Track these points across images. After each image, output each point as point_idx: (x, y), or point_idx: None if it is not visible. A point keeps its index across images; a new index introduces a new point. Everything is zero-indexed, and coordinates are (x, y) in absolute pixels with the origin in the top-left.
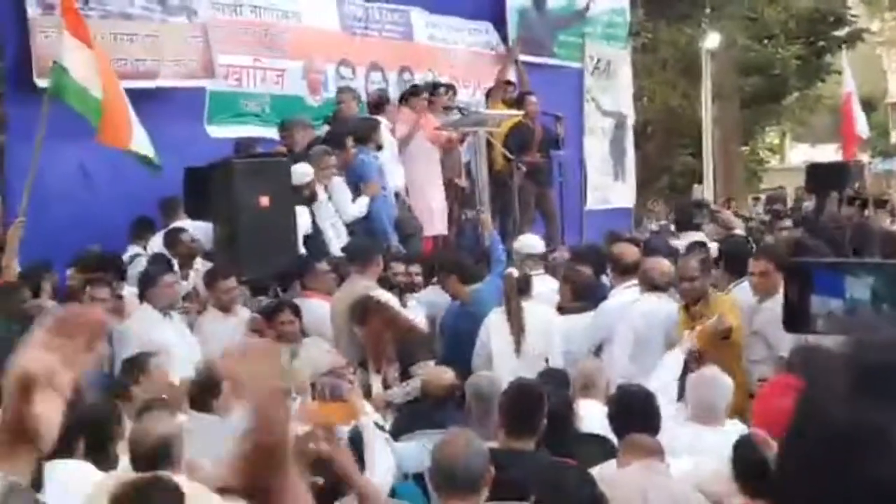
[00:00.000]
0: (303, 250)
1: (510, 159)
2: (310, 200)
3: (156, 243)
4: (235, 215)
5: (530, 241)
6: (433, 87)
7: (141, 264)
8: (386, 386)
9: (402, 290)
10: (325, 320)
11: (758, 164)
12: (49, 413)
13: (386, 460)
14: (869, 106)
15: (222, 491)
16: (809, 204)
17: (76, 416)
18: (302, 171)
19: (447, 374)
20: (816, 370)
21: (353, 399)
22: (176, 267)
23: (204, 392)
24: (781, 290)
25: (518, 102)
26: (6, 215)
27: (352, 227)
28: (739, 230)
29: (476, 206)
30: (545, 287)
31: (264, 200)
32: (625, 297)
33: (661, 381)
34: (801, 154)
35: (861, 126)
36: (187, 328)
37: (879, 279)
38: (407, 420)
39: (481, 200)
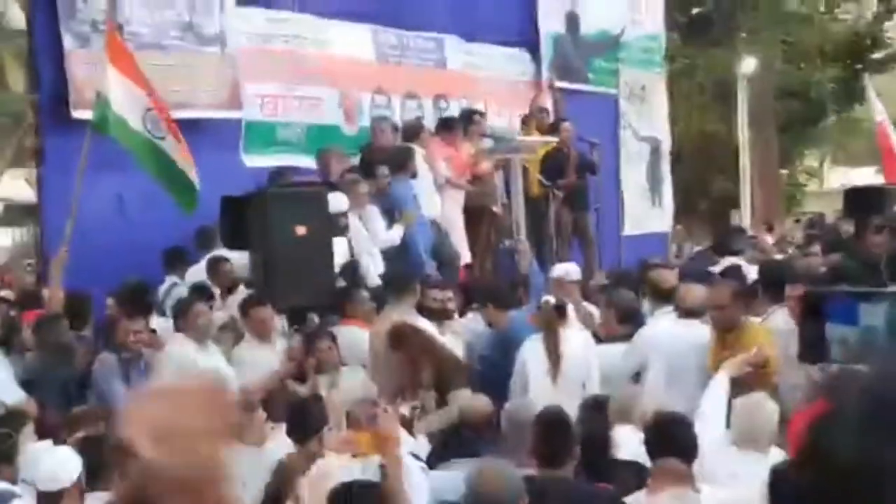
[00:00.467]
0: (341, 280)
1: (546, 186)
2: (346, 229)
3: (195, 273)
4: (271, 244)
5: (567, 268)
6: (469, 115)
7: (179, 294)
8: (423, 413)
9: (439, 316)
10: (362, 348)
11: (796, 188)
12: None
13: (422, 490)
14: None
15: None
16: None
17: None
18: (338, 201)
19: (484, 402)
20: (831, 401)
21: (389, 428)
22: (218, 296)
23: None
24: None
25: (553, 129)
26: (44, 245)
27: (388, 256)
28: (777, 255)
29: (512, 232)
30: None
31: (301, 229)
32: (661, 324)
33: (712, 405)
34: (841, 177)
35: None
36: (223, 358)
37: (894, 306)
38: (443, 449)
39: (517, 227)
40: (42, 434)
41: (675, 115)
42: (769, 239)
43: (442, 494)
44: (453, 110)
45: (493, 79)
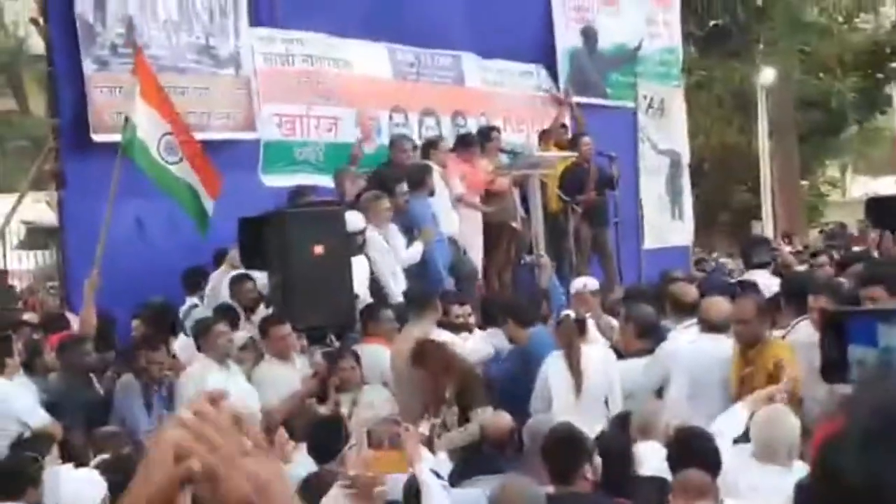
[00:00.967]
0: (370, 298)
1: (565, 201)
2: (362, 248)
3: (211, 293)
4: (290, 264)
5: (585, 280)
6: (487, 132)
7: (199, 315)
8: (445, 430)
9: (460, 331)
10: (384, 365)
11: (818, 198)
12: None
13: None
14: None
15: None
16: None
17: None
18: (354, 220)
19: (505, 419)
20: (842, 419)
21: (411, 446)
22: (242, 315)
23: None
24: None
25: (572, 144)
26: (66, 268)
27: (408, 273)
28: (798, 267)
29: (531, 248)
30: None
31: (319, 249)
32: (684, 338)
33: (727, 427)
34: (863, 186)
35: None
36: (244, 378)
37: None
38: (466, 466)
39: (537, 243)
40: (66, 456)
41: (694, 128)
42: (787, 249)
43: None
44: (471, 127)
45: (510, 95)
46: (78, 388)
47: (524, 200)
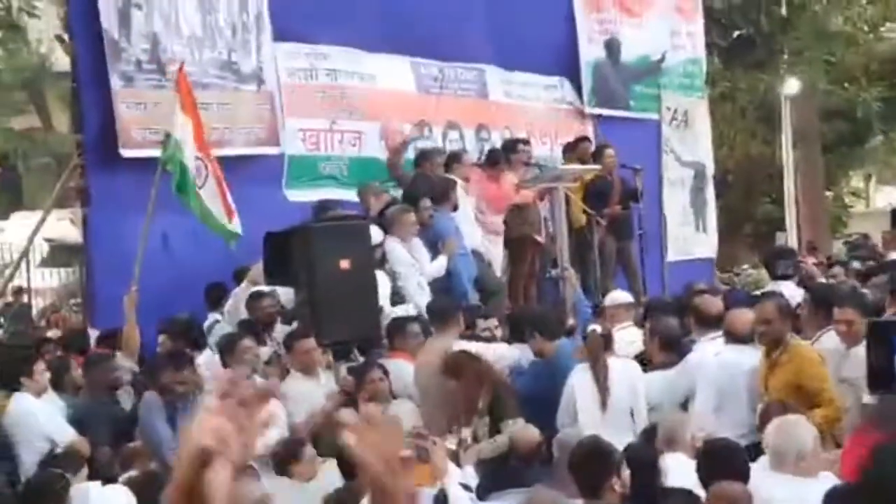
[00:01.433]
0: (396, 311)
1: (590, 214)
2: (381, 262)
3: (232, 309)
4: (315, 279)
5: (620, 294)
6: (513, 145)
7: (222, 330)
8: (474, 441)
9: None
10: (408, 380)
11: (843, 209)
12: (220, 481)
13: None
14: None
15: None
16: None
17: None
18: (372, 234)
19: (534, 433)
20: (887, 430)
21: (438, 460)
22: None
23: (286, 457)
24: None
25: (595, 156)
26: (90, 285)
27: (432, 287)
28: (821, 279)
29: (557, 261)
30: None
31: (344, 263)
32: (709, 350)
33: None
34: (887, 197)
35: None
36: None
37: None
38: (494, 479)
39: (562, 256)
40: (93, 472)
41: (718, 139)
42: (811, 260)
43: None
44: (495, 140)
45: (534, 108)
46: (105, 403)
47: (549, 213)
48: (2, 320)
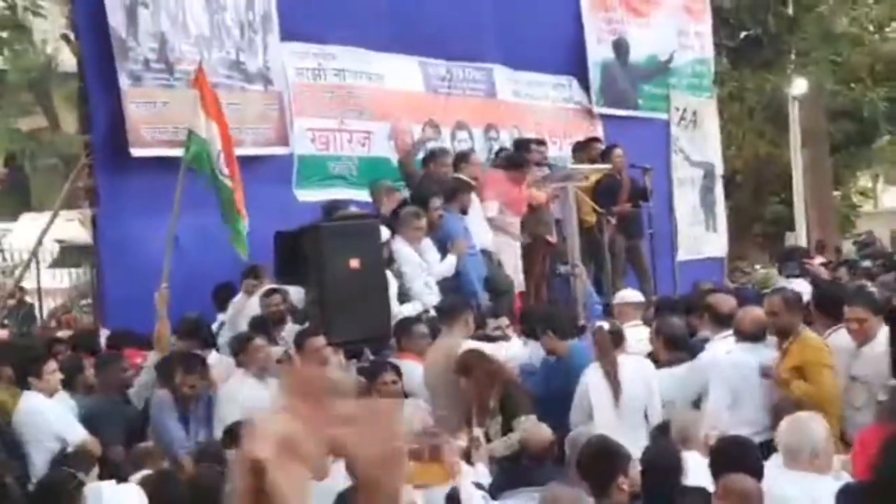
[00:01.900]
0: (405, 312)
1: (599, 213)
2: (388, 262)
3: (231, 318)
4: (326, 278)
5: (629, 293)
6: (526, 144)
7: (225, 335)
8: (488, 440)
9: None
10: (417, 380)
11: (851, 209)
12: (291, 483)
13: None
14: None
15: None
16: None
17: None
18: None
19: (546, 431)
20: None
21: (451, 459)
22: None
23: None
24: (879, 335)
25: (604, 156)
26: (100, 285)
27: (441, 287)
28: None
29: (567, 260)
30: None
31: (354, 262)
32: (720, 348)
33: None
34: (894, 196)
35: None
36: None
37: None
38: (507, 478)
39: (572, 254)
40: (105, 471)
41: (726, 139)
42: (819, 259)
43: None
44: (504, 140)
45: (542, 107)
46: (116, 403)
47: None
48: (9, 321)
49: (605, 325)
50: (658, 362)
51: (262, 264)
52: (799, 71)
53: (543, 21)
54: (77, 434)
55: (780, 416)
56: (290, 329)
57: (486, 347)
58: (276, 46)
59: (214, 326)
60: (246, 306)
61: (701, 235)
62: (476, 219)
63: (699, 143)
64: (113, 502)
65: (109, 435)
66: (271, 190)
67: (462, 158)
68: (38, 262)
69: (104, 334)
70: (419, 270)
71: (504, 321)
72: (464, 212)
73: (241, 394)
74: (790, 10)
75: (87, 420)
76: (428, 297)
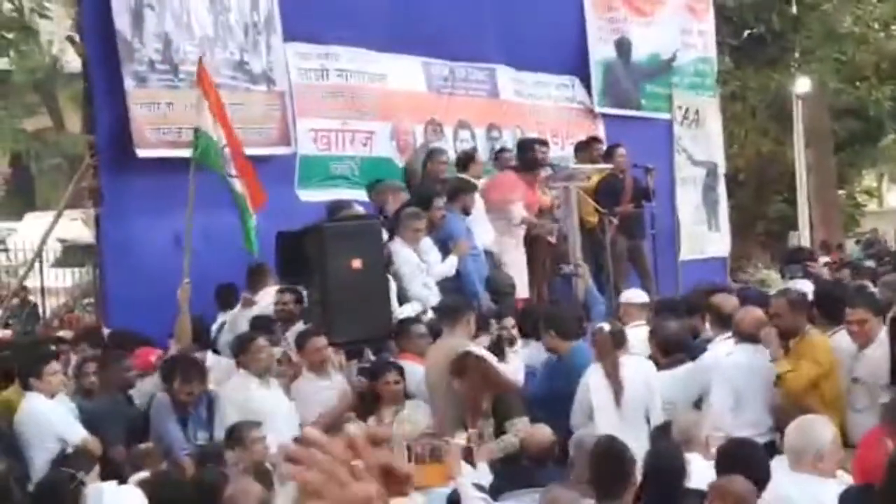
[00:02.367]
0: (405, 312)
1: (602, 213)
2: (386, 264)
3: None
4: (328, 279)
5: (634, 293)
6: (529, 145)
7: (224, 340)
8: (481, 441)
9: (509, 344)
10: (418, 380)
11: (855, 208)
12: None
13: None
14: None
15: None
16: None
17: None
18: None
19: (546, 433)
20: None
21: (451, 460)
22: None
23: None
24: (880, 337)
25: (607, 156)
26: (102, 285)
27: (442, 287)
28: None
29: (569, 260)
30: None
31: (356, 263)
32: (722, 349)
33: None
34: None
35: None
36: (283, 393)
37: None
38: (507, 479)
39: (574, 254)
40: (106, 472)
41: (729, 138)
42: (823, 259)
43: None
44: (506, 140)
45: (545, 107)
46: (118, 404)
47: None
48: (12, 321)
49: (606, 327)
50: (658, 364)
51: (266, 264)
52: (803, 69)
53: (546, 21)
54: (77, 434)
55: (782, 418)
56: (293, 330)
57: (485, 353)
58: (279, 47)
59: (214, 327)
60: (239, 318)
61: (703, 235)
62: (479, 219)
63: (702, 142)
64: (113, 503)
65: (111, 435)
66: (274, 190)
67: (468, 159)
68: (41, 262)
69: (105, 334)
70: (417, 271)
71: (510, 321)
72: (466, 212)
73: (242, 395)
74: (794, 9)
75: (89, 420)
76: (427, 297)
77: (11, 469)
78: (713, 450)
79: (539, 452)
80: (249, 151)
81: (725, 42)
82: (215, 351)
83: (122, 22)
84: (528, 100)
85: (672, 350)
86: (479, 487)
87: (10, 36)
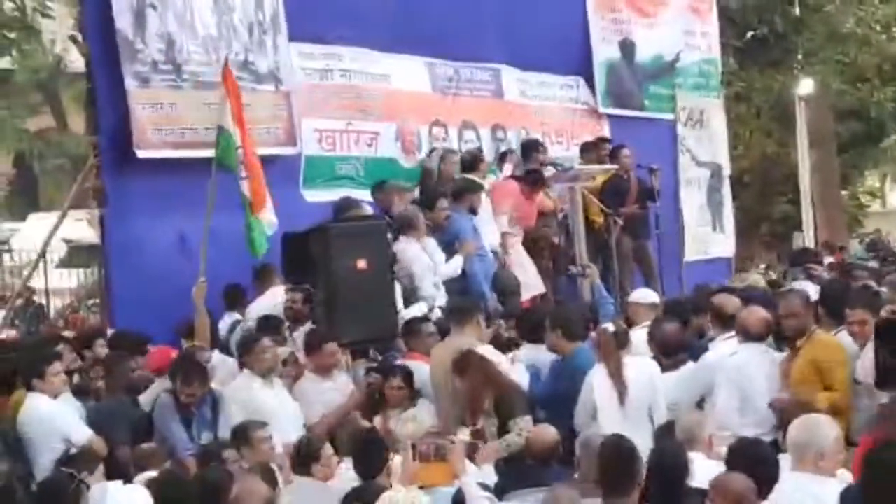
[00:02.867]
0: (413, 312)
1: (607, 213)
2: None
3: (253, 310)
4: (333, 279)
5: (644, 293)
6: (535, 146)
7: (244, 330)
8: (483, 441)
9: (507, 345)
10: (425, 380)
11: (858, 209)
12: None
13: None
14: None
15: None
16: None
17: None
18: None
19: (551, 432)
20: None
21: (456, 459)
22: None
23: (306, 457)
24: None
25: (611, 156)
26: (107, 286)
27: (449, 287)
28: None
29: (575, 261)
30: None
31: (362, 263)
32: (724, 349)
33: None
34: None
35: None
36: (288, 393)
37: None
38: (512, 478)
39: (580, 256)
40: (111, 472)
41: (733, 140)
42: (828, 259)
43: None
44: (511, 140)
45: (549, 107)
46: (123, 404)
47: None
48: (18, 322)
49: (610, 327)
50: (660, 366)
51: (272, 264)
52: (806, 71)
53: (549, 21)
54: (82, 434)
55: (786, 417)
56: (301, 330)
57: (490, 352)
58: (285, 47)
59: (223, 326)
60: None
61: (708, 236)
62: (486, 219)
63: (706, 143)
64: (118, 503)
65: (117, 435)
66: (279, 190)
67: (475, 160)
68: (45, 263)
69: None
70: (428, 270)
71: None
72: (473, 211)
73: (245, 395)
74: (797, 10)
75: (95, 420)
76: (436, 297)
77: (15, 470)
78: (718, 449)
79: (543, 452)
80: (257, 151)
81: (729, 43)
82: (226, 351)
83: (123, 22)
84: (532, 100)
85: (672, 351)
86: (484, 487)
87: (13, 35)
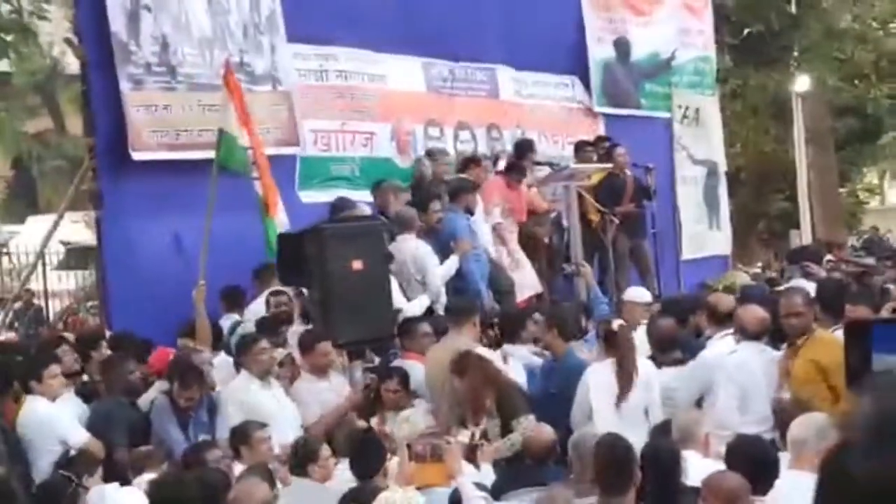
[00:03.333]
0: (414, 310)
1: (603, 212)
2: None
3: (253, 310)
4: (329, 280)
5: (638, 292)
6: (530, 145)
7: (244, 331)
8: (487, 441)
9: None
10: (421, 380)
11: (857, 206)
12: None
13: None
14: None
15: None
16: None
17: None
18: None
19: (547, 432)
20: (850, 424)
21: (452, 459)
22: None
23: (303, 458)
24: None
25: (606, 155)
26: (105, 287)
27: (445, 287)
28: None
29: (570, 260)
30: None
31: (357, 264)
32: (721, 347)
33: None
34: None
35: None
36: (285, 394)
37: None
38: (508, 478)
39: (576, 254)
40: (109, 474)
41: (730, 137)
42: (828, 257)
43: None
44: (506, 140)
45: (545, 107)
46: (121, 406)
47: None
48: (17, 324)
49: (618, 321)
50: (655, 362)
51: (272, 264)
52: (802, 68)
53: (545, 21)
54: (79, 437)
55: (785, 417)
56: (293, 330)
57: (487, 352)
58: (283, 47)
59: (225, 327)
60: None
61: (705, 234)
62: (480, 219)
63: (702, 141)
64: None
65: (116, 437)
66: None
67: (472, 161)
68: (44, 265)
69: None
70: (436, 267)
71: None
72: (469, 211)
73: (243, 396)
74: (793, 7)
75: (93, 422)
76: (442, 292)
77: (14, 473)
78: (718, 449)
79: (541, 452)
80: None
81: (725, 41)
82: (229, 352)
83: (117, 24)
84: (528, 100)
85: (666, 347)
86: (482, 487)
87: (10, 38)
